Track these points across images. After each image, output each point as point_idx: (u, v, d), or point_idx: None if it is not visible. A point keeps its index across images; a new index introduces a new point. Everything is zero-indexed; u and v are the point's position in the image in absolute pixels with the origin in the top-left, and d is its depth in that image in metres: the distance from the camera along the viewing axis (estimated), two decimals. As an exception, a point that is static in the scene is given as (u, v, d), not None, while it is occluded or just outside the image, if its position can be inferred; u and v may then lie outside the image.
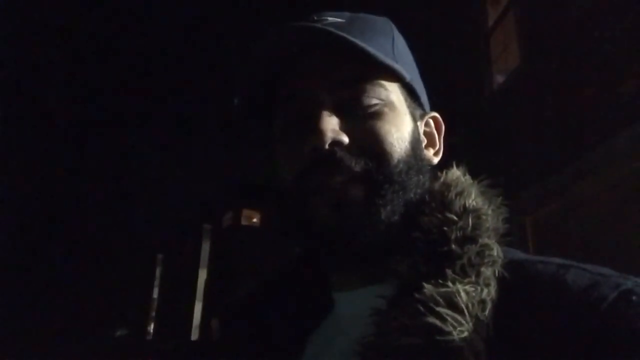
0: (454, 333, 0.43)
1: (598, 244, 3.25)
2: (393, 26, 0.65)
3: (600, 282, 0.44)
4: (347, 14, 0.61)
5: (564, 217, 3.71)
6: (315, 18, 0.59)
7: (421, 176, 0.57)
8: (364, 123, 0.55)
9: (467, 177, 0.58)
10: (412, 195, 0.55)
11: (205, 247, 19.81)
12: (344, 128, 0.54)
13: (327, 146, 0.52)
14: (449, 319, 0.44)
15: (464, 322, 0.44)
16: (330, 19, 0.58)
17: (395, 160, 0.54)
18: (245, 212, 17.94)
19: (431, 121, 0.66)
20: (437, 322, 0.43)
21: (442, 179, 0.58)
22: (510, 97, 4.76)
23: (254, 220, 18.21)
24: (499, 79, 5.12)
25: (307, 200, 0.54)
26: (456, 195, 0.54)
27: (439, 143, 0.66)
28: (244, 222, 17.96)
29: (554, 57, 4.02)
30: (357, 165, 0.53)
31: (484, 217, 0.52)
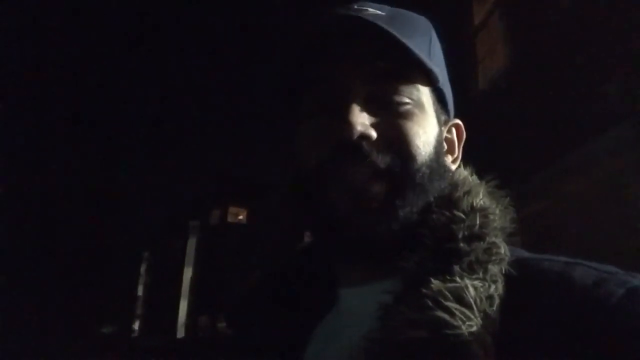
0: (463, 327, 0.43)
1: (582, 242, 3.30)
2: (432, 27, 0.63)
3: (607, 279, 0.45)
4: (386, 7, 0.59)
5: (548, 215, 3.76)
6: (356, 7, 0.57)
7: (441, 182, 0.57)
8: (394, 121, 0.54)
9: (475, 177, 0.59)
10: (431, 199, 0.55)
11: (191, 244, 19.70)
12: (373, 122, 0.53)
13: (354, 139, 0.51)
14: (457, 313, 0.44)
15: (472, 316, 0.44)
16: (370, 10, 0.57)
17: (420, 163, 0.54)
18: (232, 209, 17.88)
19: (453, 128, 0.65)
20: (446, 317, 0.43)
21: (449, 179, 0.58)
22: (496, 96, 4.80)
23: (241, 217, 18.15)
24: (485, 78, 5.16)
25: (326, 189, 0.53)
26: (464, 194, 0.54)
27: (458, 151, 0.65)
28: (230, 219, 17.90)
29: (540, 57, 4.06)
30: (382, 162, 0.52)
31: (491, 216, 0.53)
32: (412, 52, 0.52)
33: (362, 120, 0.52)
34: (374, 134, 0.52)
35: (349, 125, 0.51)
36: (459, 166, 0.63)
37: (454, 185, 0.56)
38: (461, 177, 0.58)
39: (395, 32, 0.52)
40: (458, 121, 0.66)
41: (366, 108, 0.54)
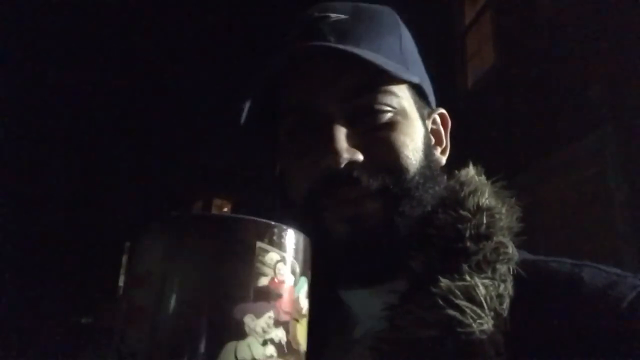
0: (474, 326, 0.42)
1: (563, 242, 3.34)
2: (398, 19, 0.61)
3: (617, 281, 0.45)
4: (349, 4, 0.57)
5: (530, 215, 3.80)
6: (317, 15, 0.56)
7: (437, 187, 0.56)
8: (378, 135, 0.53)
9: (482, 177, 0.58)
10: (428, 208, 0.54)
11: (174, 236, 19.53)
12: (357, 141, 0.51)
13: (342, 168, 0.50)
14: (468, 311, 0.43)
15: (483, 315, 0.43)
16: (333, 15, 0.55)
17: (412, 174, 0.52)
18: (216, 201, 17.78)
19: (437, 118, 0.64)
20: (457, 315, 0.43)
21: (456, 178, 0.58)
22: (483, 96, 4.83)
23: (225, 209, 18.07)
24: (474, 77, 5.19)
25: (320, 216, 0.52)
26: (470, 194, 0.54)
27: (446, 140, 0.64)
28: (214, 211, 17.81)
29: (527, 58, 4.09)
30: (374, 183, 0.51)
31: (497, 215, 0.52)
32: (382, 67, 0.50)
33: (347, 146, 0.50)
34: (361, 157, 0.51)
35: (334, 154, 0.50)
36: (463, 165, 0.62)
37: (460, 185, 0.56)
38: (468, 177, 0.57)
39: (360, 48, 0.50)
40: (442, 110, 0.65)
41: (349, 126, 0.52)
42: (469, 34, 5.36)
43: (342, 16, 0.55)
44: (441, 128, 0.64)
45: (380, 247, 0.51)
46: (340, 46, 0.51)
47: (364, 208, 0.51)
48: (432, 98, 0.63)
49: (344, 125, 0.52)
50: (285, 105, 0.56)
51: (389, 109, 0.53)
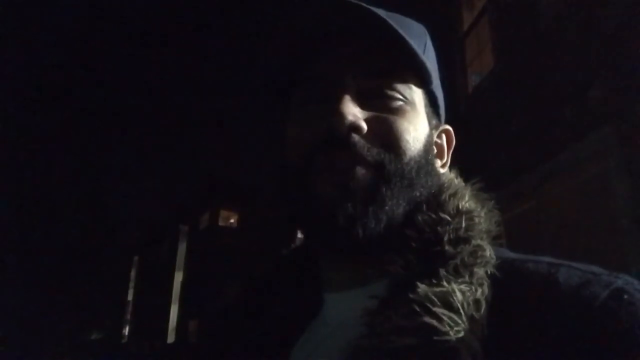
0: (451, 333, 0.42)
1: (567, 242, 3.36)
2: (427, 33, 0.63)
3: (592, 280, 0.44)
4: (381, 10, 0.56)
5: (535, 216, 3.82)
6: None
7: (429, 179, 0.56)
8: (385, 115, 0.54)
9: (460, 179, 0.59)
10: (417, 194, 0.54)
11: (182, 249, 19.60)
12: (364, 116, 0.53)
13: (344, 129, 0.51)
14: (445, 318, 0.43)
15: (460, 322, 0.43)
16: (366, 5, 0.54)
17: (408, 158, 0.53)
18: (223, 213, 17.83)
19: (443, 134, 0.65)
20: (434, 322, 0.43)
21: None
22: (484, 99, 4.86)
23: (232, 221, 18.11)
24: (474, 81, 5.23)
25: (312, 179, 0.53)
26: (450, 197, 0.55)
27: (447, 157, 0.65)
28: (221, 222, 17.84)
29: (527, 61, 4.13)
30: (369, 154, 0.52)
31: (476, 218, 0.53)
32: (407, 43, 0.51)
33: (353, 112, 0.52)
34: (364, 125, 0.52)
35: (338, 115, 0.51)
36: (449, 168, 0.63)
37: (440, 187, 0.57)
38: (447, 179, 0.59)
39: (393, 24, 0.51)
40: (448, 127, 0.66)
41: (358, 101, 0.53)
42: (468, 39, 5.41)
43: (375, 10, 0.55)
44: (445, 144, 0.65)
45: (364, 219, 0.51)
46: (380, 13, 0.51)
47: (355, 177, 0.51)
48: (442, 112, 0.64)
49: (355, 98, 0.53)
50: (305, 74, 0.57)
51: (400, 97, 0.55)
